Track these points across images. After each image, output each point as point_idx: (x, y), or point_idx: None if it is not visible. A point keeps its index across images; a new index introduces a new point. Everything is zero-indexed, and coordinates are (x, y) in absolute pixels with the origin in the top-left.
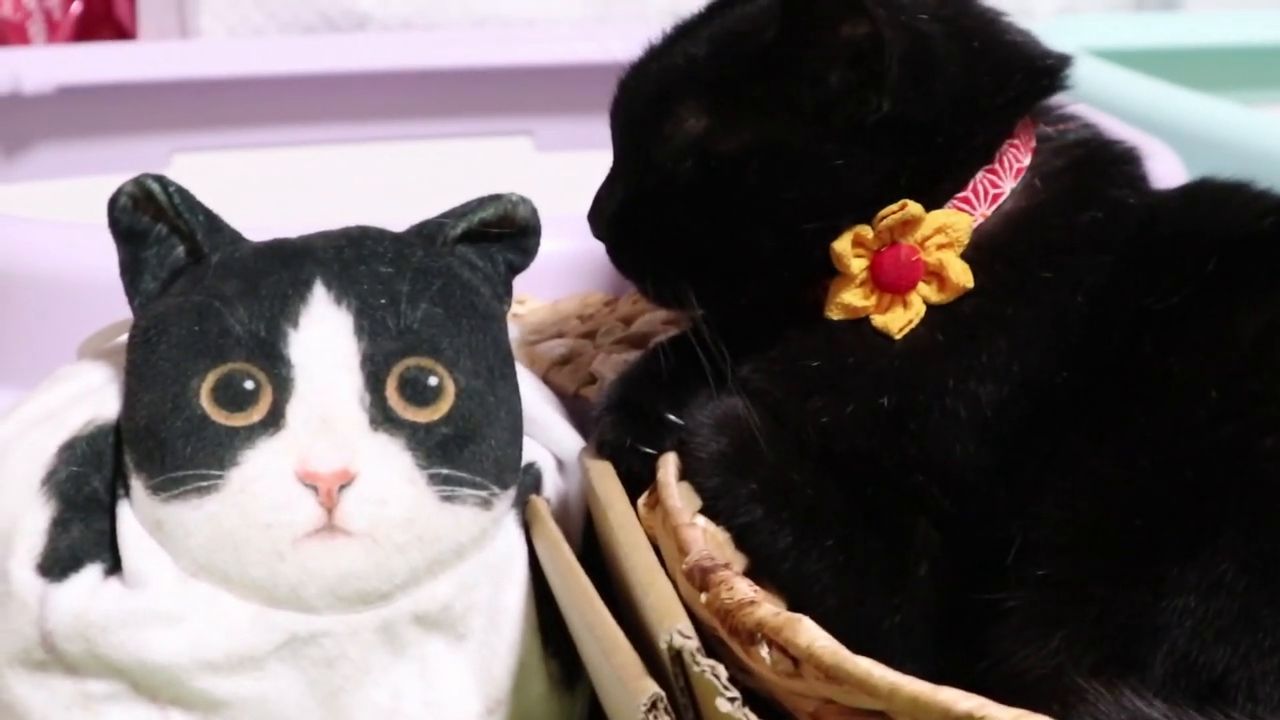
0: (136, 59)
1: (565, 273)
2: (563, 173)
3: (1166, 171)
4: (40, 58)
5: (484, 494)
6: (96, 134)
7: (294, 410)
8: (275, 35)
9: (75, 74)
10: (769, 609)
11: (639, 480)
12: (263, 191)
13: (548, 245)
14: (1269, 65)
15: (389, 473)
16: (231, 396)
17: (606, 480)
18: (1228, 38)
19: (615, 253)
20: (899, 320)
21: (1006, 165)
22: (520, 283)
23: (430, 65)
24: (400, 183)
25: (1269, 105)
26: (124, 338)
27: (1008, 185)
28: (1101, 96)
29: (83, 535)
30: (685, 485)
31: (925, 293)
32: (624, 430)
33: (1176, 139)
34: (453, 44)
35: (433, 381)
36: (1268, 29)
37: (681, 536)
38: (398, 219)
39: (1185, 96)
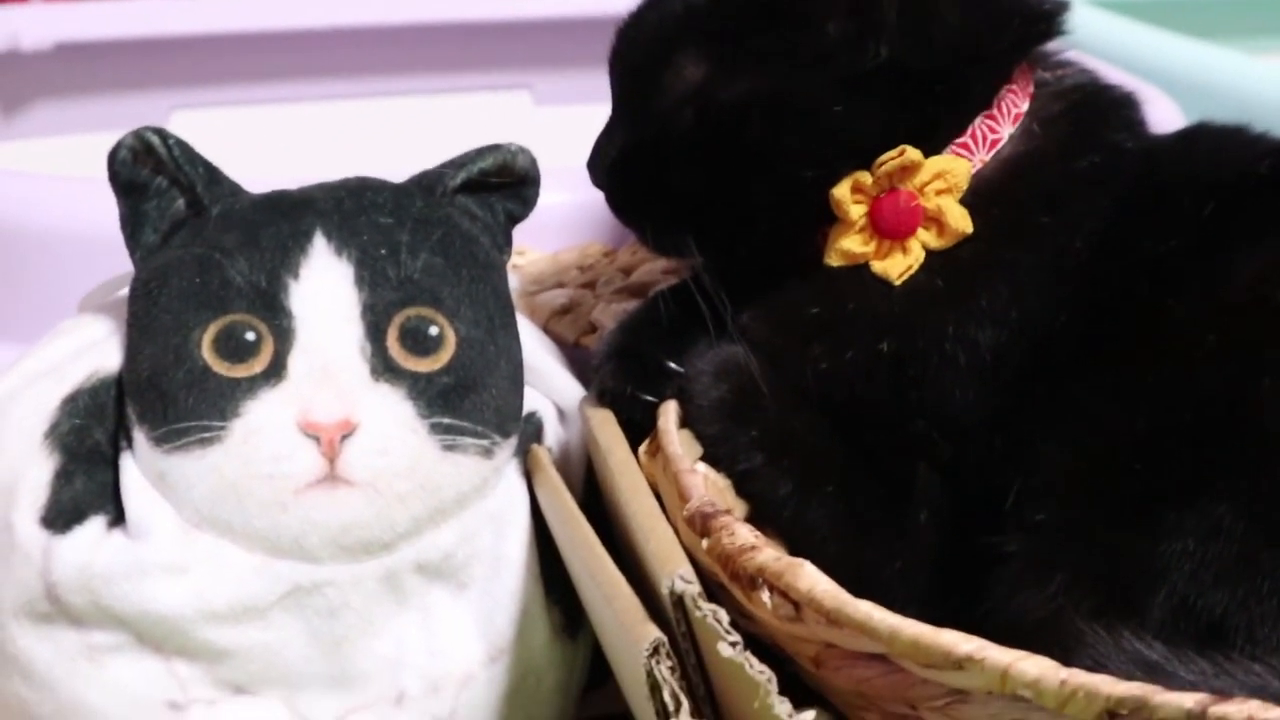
0: (135, 15)
1: (565, 224)
2: (561, 126)
3: (1163, 117)
4: (39, 15)
5: (485, 443)
6: (95, 91)
7: (295, 361)
8: None
9: (74, 31)
10: (770, 554)
11: (639, 428)
12: (262, 147)
13: (547, 197)
14: (1268, 13)
15: (390, 422)
16: (233, 348)
17: (607, 428)
18: None
19: (615, 201)
20: (898, 266)
21: (1005, 111)
22: (520, 234)
23: (429, 19)
24: (399, 137)
25: (1268, 53)
26: (125, 291)
27: (1006, 130)
28: (1099, 44)
29: (86, 487)
30: (686, 432)
31: (924, 238)
32: (624, 378)
33: (1174, 87)
34: None
35: (433, 331)
36: None
37: (682, 483)
38: (397, 173)
39: (1184, 44)
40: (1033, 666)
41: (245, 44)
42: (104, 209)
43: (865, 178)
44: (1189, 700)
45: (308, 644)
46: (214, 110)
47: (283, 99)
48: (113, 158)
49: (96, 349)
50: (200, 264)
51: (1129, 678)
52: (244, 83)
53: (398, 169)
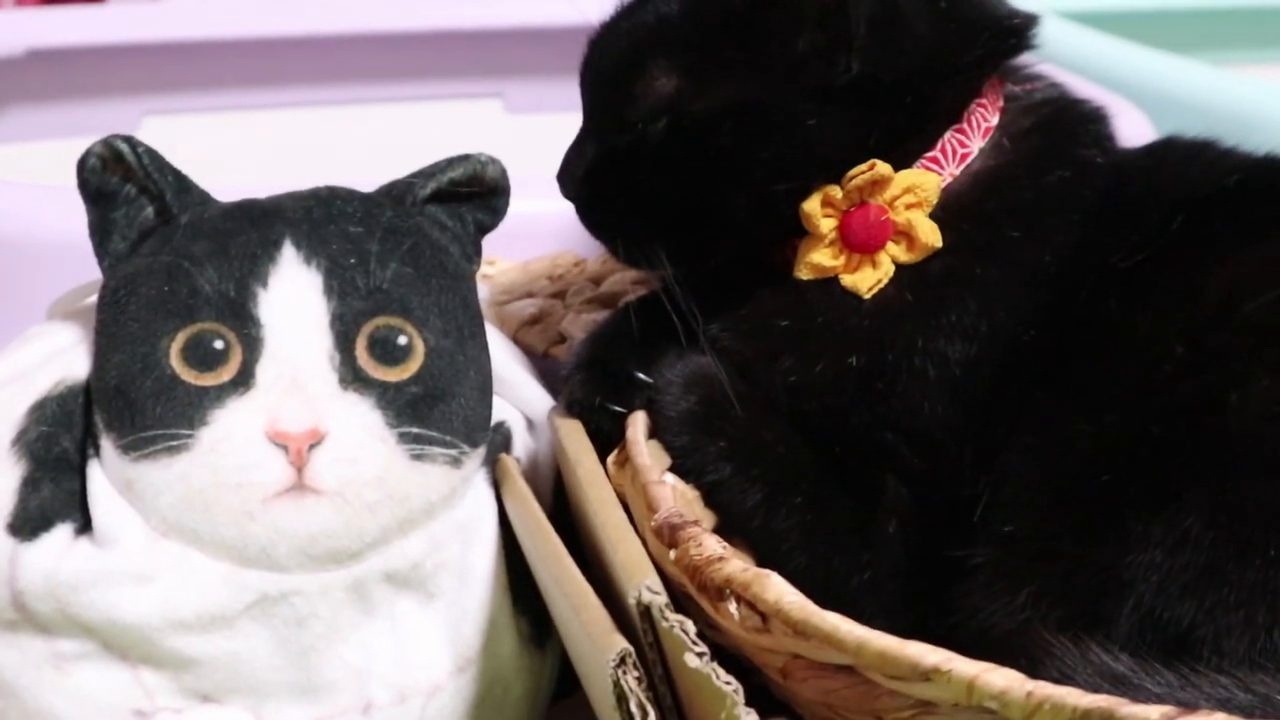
0: (106, 22)
1: (535, 234)
2: (533, 135)
3: (1134, 130)
4: (9, 20)
5: (454, 453)
6: (66, 97)
7: (264, 370)
8: None
9: (45, 36)
10: (737, 565)
11: (608, 439)
12: (233, 154)
13: (518, 206)
14: (1240, 26)
15: (359, 432)
16: (201, 356)
17: (576, 438)
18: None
19: (585, 213)
20: (868, 280)
21: (974, 125)
22: (490, 244)
23: (401, 27)
24: (371, 145)
25: (1237, 66)
26: (93, 298)
27: (976, 145)
28: (1070, 57)
29: (53, 495)
30: (654, 443)
31: (894, 252)
32: (593, 389)
33: (1145, 99)
34: (423, 6)
35: (402, 341)
36: None
37: (650, 494)
38: (368, 181)
39: (1153, 57)
40: (999, 678)
41: (217, 50)
42: (73, 216)
43: (835, 191)
44: (1155, 713)
45: (275, 653)
46: (185, 116)
47: (254, 106)
48: (82, 165)
49: (64, 356)
50: (169, 272)
51: (1096, 690)
52: (215, 89)
53: (369, 176)
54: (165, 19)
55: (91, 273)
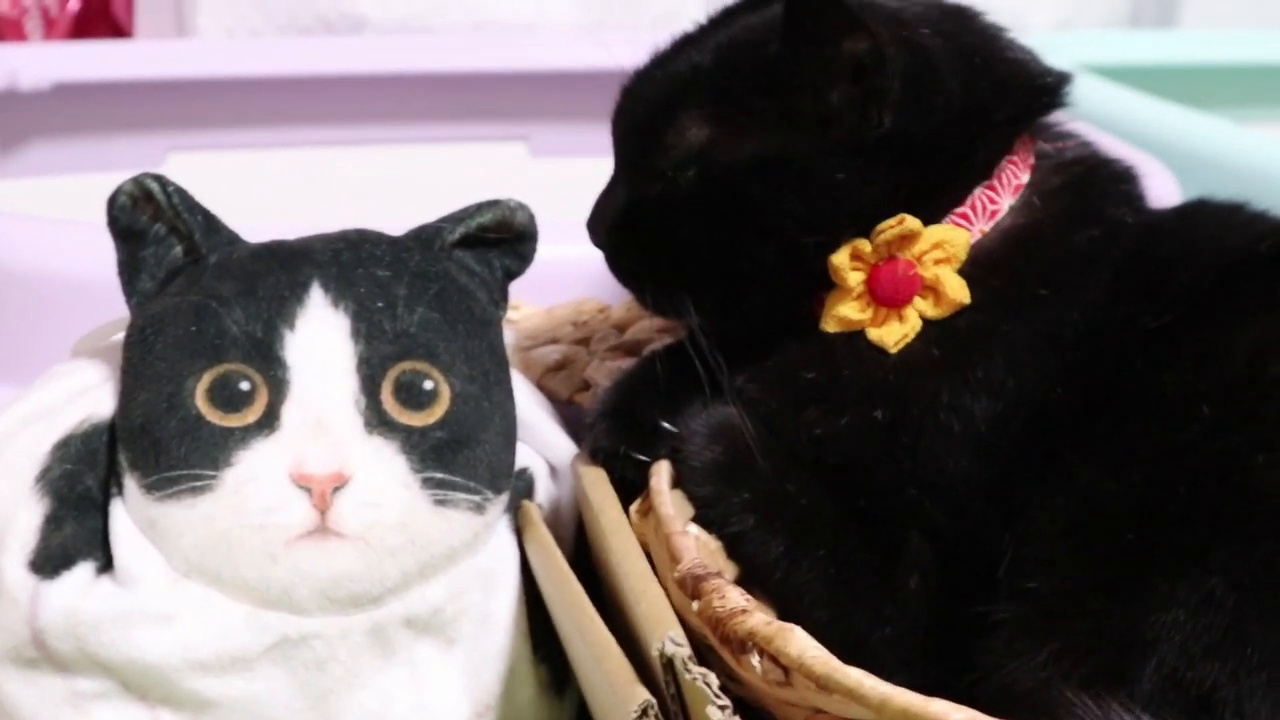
0: (133, 57)
1: (560, 279)
2: (557, 179)
3: (1162, 191)
4: (37, 54)
5: (477, 498)
6: (92, 132)
7: (289, 412)
8: (272, 36)
9: (71, 71)
10: (760, 618)
11: (632, 487)
12: (256, 193)
13: (543, 251)
14: (1264, 84)
15: (383, 476)
16: (227, 397)
17: (599, 487)
18: (1224, 55)
19: (614, 261)
20: (895, 334)
21: (1005, 182)
22: (516, 289)
23: (426, 69)
24: (395, 186)
25: (1263, 123)
26: (120, 336)
27: (1006, 202)
28: (1096, 112)
29: (75, 533)
30: (678, 493)
31: (921, 307)
32: (618, 437)
33: (1171, 156)
34: (449, 48)
35: (428, 385)
36: (1263, 47)
37: (674, 544)
38: (392, 222)
39: (1180, 114)
40: None
41: (242, 88)
42: (100, 253)
43: (864, 245)
44: None
45: (294, 696)
46: (210, 154)
47: (279, 144)
48: (112, 203)
49: (90, 394)
50: (196, 312)
51: None
52: (240, 127)
53: (393, 217)
54: (192, 56)
55: (114, 309)
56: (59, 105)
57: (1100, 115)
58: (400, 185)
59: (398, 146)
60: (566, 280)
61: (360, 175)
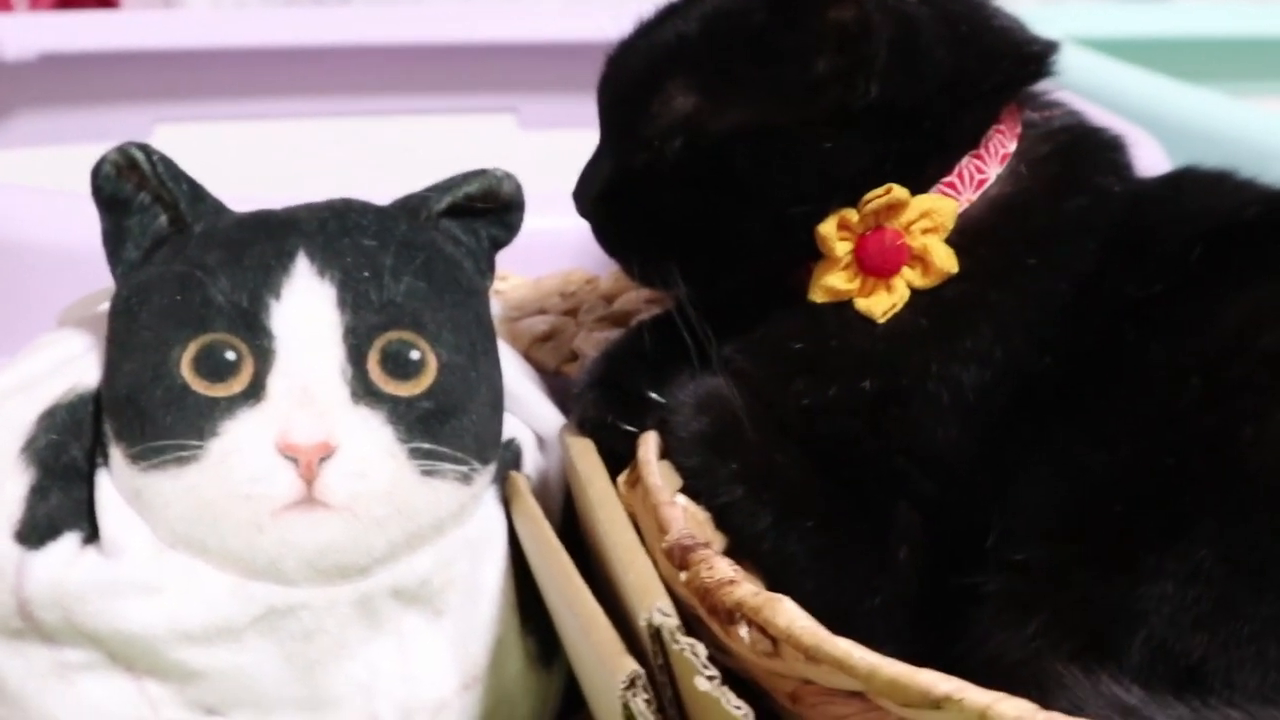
0: (120, 28)
1: (548, 250)
2: (546, 150)
3: (1149, 159)
4: (23, 24)
5: (464, 469)
6: (78, 103)
7: (275, 382)
8: (258, 7)
9: (58, 42)
10: (749, 588)
11: (619, 458)
12: (244, 163)
13: (531, 222)
14: (1258, 57)
15: (369, 446)
16: (212, 367)
17: (587, 457)
18: (1217, 29)
19: (600, 231)
20: (882, 304)
21: (992, 151)
22: (504, 260)
23: (414, 40)
24: (383, 157)
25: (1258, 97)
26: (105, 306)
27: (993, 171)
28: (1086, 85)
29: (61, 504)
30: (666, 464)
31: (909, 277)
32: (605, 407)
33: (1161, 128)
34: (438, 19)
35: (415, 355)
36: (1257, 20)
37: (662, 515)
38: (381, 194)
39: (1170, 86)
40: (1011, 708)
41: (230, 59)
42: (85, 223)
43: (851, 215)
44: None
45: (281, 667)
46: (197, 125)
47: (266, 115)
48: (96, 172)
49: (75, 364)
50: (182, 282)
51: None
52: (228, 98)
53: (380, 188)
54: (179, 26)
55: (99, 279)
56: (45, 76)
57: (1092, 88)
58: (389, 157)
59: (386, 118)
60: (555, 251)
61: (349, 146)
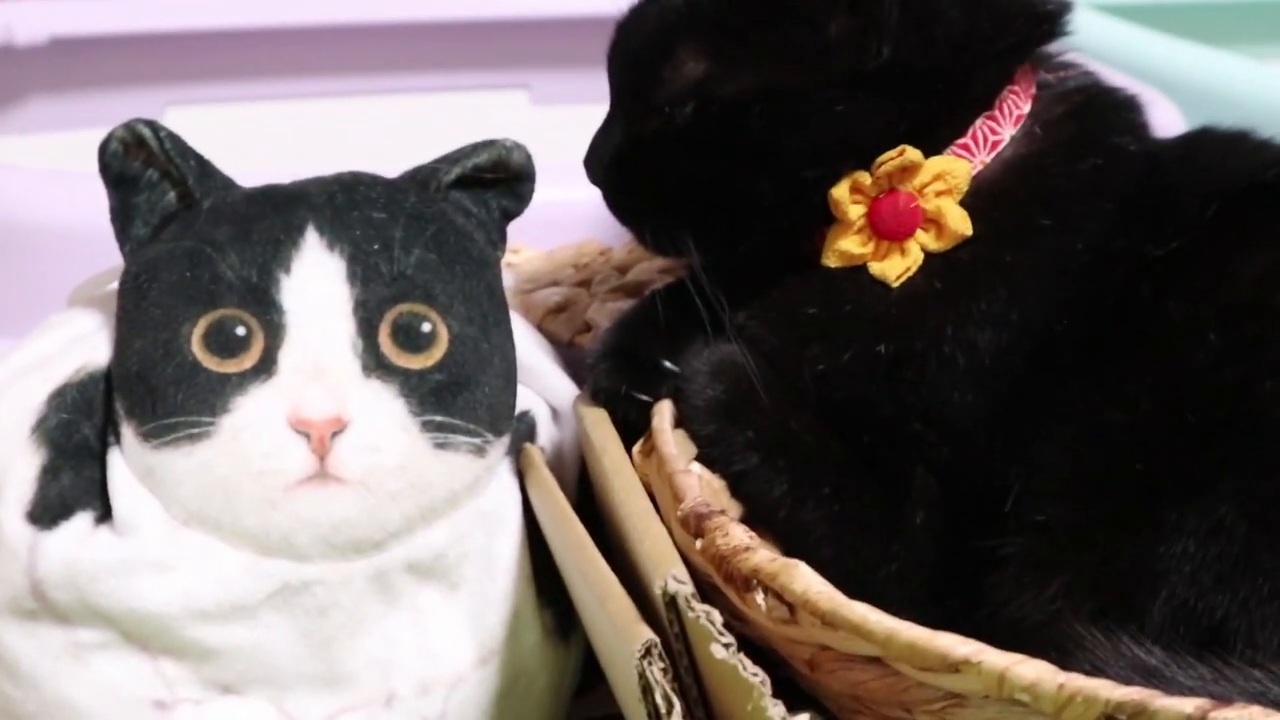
0: (130, 11)
1: (561, 222)
2: (559, 126)
3: (1165, 121)
4: (33, 9)
5: (478, 441)
6: (90, 86)
7: (286, 357)
8: None
9: (68, 25)
10: (765, 555)
11: (634, 428)
12: (257, 145)
13: (543, 194)
14: (1273, 19)
15: (382, 420)
16: (223, 343)
17: (601, 427)
18: None
19: (612, 199)
20: (896, 268)
21: (1006, 112)
22: (515, 232)
23: (426, 17)
24: (396, 136)
25: (1273, 59)
26: (115, 285)
27: (1007, 132)
28: (1103, 49)
29: (73, 483)
30: (680, 432)
31: (923, 240)
32: (619, 377)
33: (1178, 92)
34: None
35: (426, 328)
36: None
37: (676, 483)
38: (394, 173)
39: (1188, 49)
40: (1030, 670)
41: (241, 40)
42: (95, 203)
43: (864, 178)
44: (1189, 705)
45: (296, 643)
46: (209, 107)
47: (279, 96)
48: (104, 150)
49: (85, 343)
50: (191, 258)
51: (1128, 683)
52: (240, 79)
53: (394, 167)
54: (189, 8)
55: (112, 260)
56: (56, 60)
57: (1111, 52)
58: (402, 136)
59: (399, 96)
60: (569, 223)
61: (362, 125)
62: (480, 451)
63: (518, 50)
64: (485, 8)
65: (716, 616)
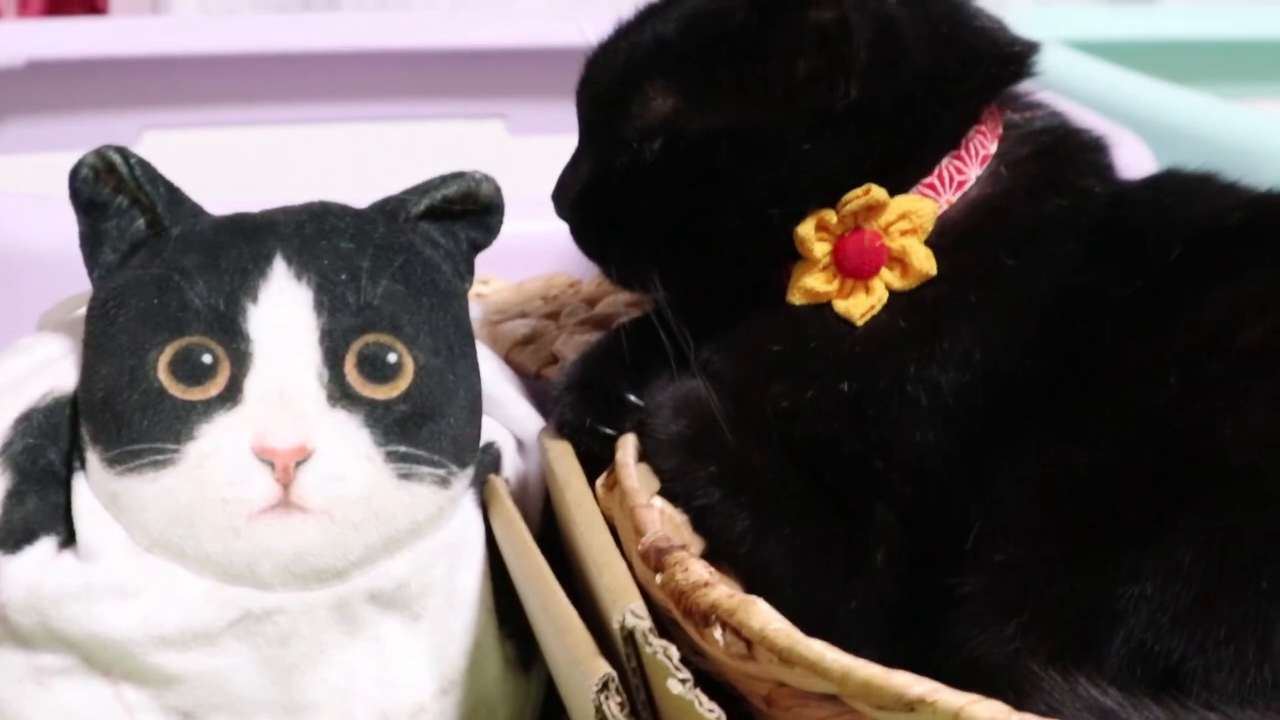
0: (108, 34)
1: (532, 254)
2: (535, 156)
3: (1134, 160)
4: (10, 31)
5: (442, 472)
6: (66, 109)
7: (252, 385)
8: (248, 13)
9: (46, 48)
10: (723, 590)
11: (598, 461)
12: (233, 171)
13: (513, 225)
14: (1249, 59)
15: (346, 450)
16: (189, 370)
17: (565, 460)
18: (1208, 31)
19: (578, 233)
20: (861, 306)
21: (972, 152)
22: (485, 263)
23: (403, 46)
24: (372, 164)
25: (1249, 99)
26: (84, 309)
27: (973, 172)
28: (1074, 87)
29: (37, 507)
30: (644, 466)
31: (888, 279)
32: (584, 410)
33: (1148, 130)
34: (426, 25)
35: (392, 358)
36: (1248, 23)
37: (638, 517)
38: (369, 201)
39: (1158, 88)
40: (985, 710)
41: (218, 66)
42: (70, 226)
43: (830, 216)
44: None
45: (258, 671)
46: (186, 131)
47: (254, 122)
48: (74, 176)
49: (53, 368)
50: (159, 285)
51: None
52: (216, 105)
53: (370, 196)
54: (167, 33)
55: (84, 284)
56: (33, 83)
57: (1081, 91)
58: (378, 164)
59: (375, 124)
60: (538, 255)
61: (338, 153)
62: (444, 483)
63: (495, 80)
64: (463, 37)
65: (674, 651)
